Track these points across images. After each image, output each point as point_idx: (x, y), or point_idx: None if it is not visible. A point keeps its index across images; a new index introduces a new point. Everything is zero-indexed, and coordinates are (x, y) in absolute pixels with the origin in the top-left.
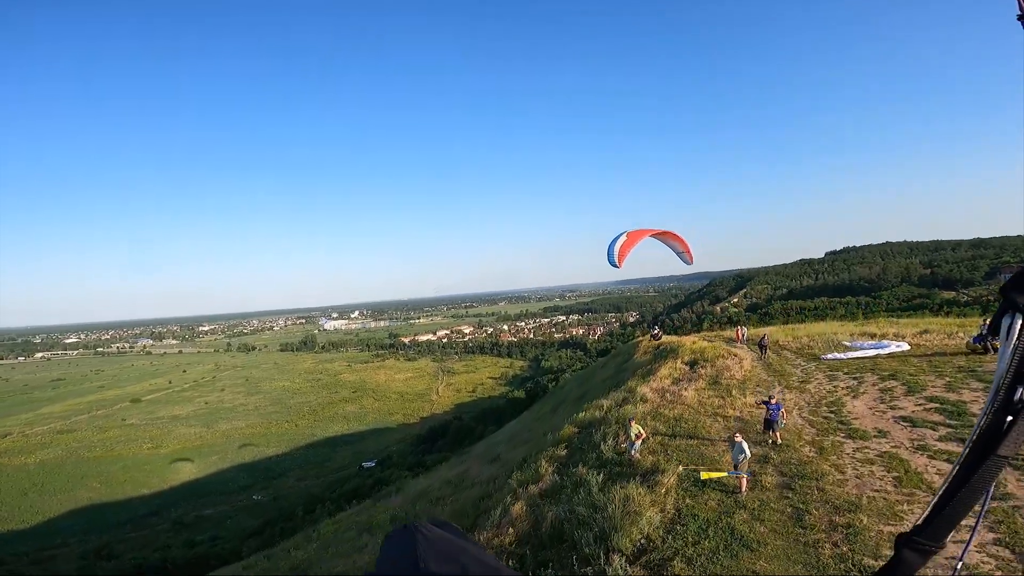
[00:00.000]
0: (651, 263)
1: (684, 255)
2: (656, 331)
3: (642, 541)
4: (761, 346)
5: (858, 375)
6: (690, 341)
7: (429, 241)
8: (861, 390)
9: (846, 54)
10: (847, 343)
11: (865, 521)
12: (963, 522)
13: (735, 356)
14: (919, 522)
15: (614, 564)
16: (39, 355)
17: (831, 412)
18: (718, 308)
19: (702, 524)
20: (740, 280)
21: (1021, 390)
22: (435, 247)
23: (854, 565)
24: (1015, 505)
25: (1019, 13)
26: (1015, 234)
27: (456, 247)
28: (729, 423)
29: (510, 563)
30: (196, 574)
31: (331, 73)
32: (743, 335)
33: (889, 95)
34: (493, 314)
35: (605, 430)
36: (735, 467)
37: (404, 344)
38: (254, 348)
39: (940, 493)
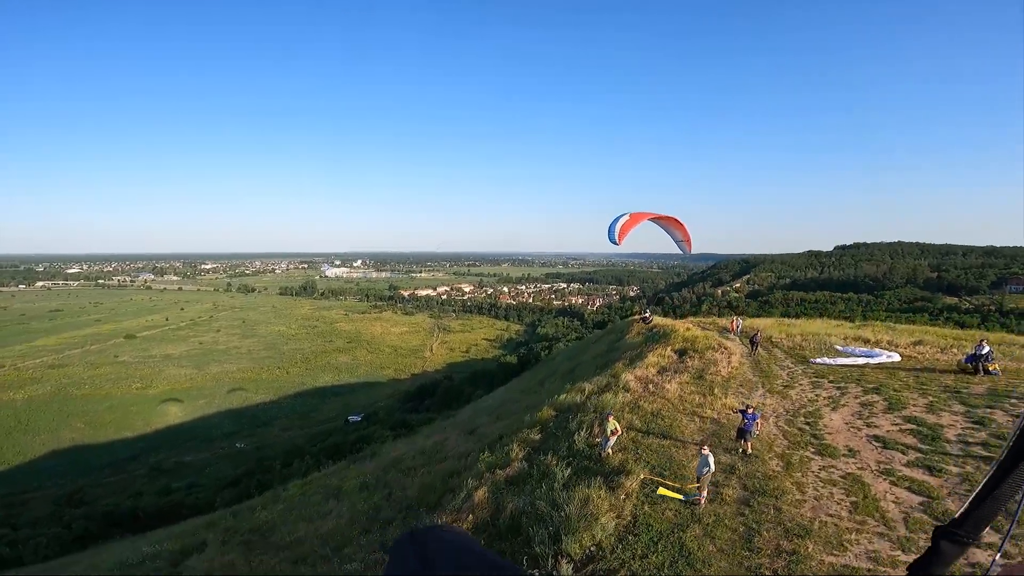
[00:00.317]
0: (658, 240)
1: (683, 243)
2: (647, 315)
3: (592, 548)
4: (752, 342)
5: (842, 384)
6: (683, 327)
7: (438, 196)
8: (842, 402)
9: (893, 52)
10: (839, 347)
11: (811, 548)
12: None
13: (725, 349)
14: (957, 515)
15: (561, 569)
16: (40, 284)
17: (807, 423)
18: (719, 291)
19: (654, 536)
20: (745, 265)
21: None
22: (444, 202)
23: None
24: None
25: None
26: None
27: (465, 204)
28: (705, 424)
29: None
30: (165, 523)
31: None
32: (738, 326)
33: (929, 96)
34: (495, 275)
35: (582, 418)
36: (698, 479)
37: (403, 297)
38: (254, 290)
39: (980, 487)
